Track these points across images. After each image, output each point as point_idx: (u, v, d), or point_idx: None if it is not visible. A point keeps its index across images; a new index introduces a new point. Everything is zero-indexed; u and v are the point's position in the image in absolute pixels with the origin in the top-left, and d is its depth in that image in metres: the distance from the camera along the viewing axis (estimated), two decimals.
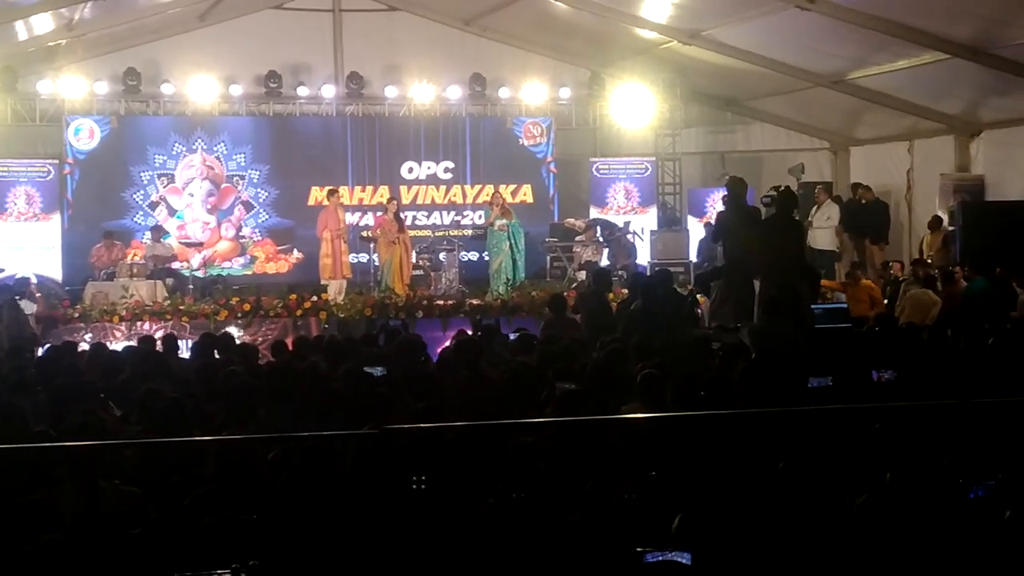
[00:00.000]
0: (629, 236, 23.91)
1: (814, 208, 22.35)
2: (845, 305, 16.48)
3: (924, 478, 6.15)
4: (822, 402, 8.87)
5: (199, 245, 23.63)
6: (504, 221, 22.01)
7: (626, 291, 17.31)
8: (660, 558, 5.27)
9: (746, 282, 14.91)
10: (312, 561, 5.75)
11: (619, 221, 24.51)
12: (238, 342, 14.93)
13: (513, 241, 21.95)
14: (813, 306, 14.51)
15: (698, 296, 17.14)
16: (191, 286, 21.25)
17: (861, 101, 22.44)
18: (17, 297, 18.24)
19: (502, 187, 24.21)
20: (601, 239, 23.68)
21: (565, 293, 18.51)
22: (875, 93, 21.84)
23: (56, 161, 23.39)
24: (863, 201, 22.88)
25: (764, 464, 6.80)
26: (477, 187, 24.66)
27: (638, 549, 5.33)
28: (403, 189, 24.46)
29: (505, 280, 21.52)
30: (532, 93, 24.81)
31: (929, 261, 20.49)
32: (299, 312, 19.95)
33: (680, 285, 18.54)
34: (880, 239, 22.65)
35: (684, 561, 5.22)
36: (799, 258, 15.26)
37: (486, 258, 22.66)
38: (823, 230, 22.12)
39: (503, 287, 21.29)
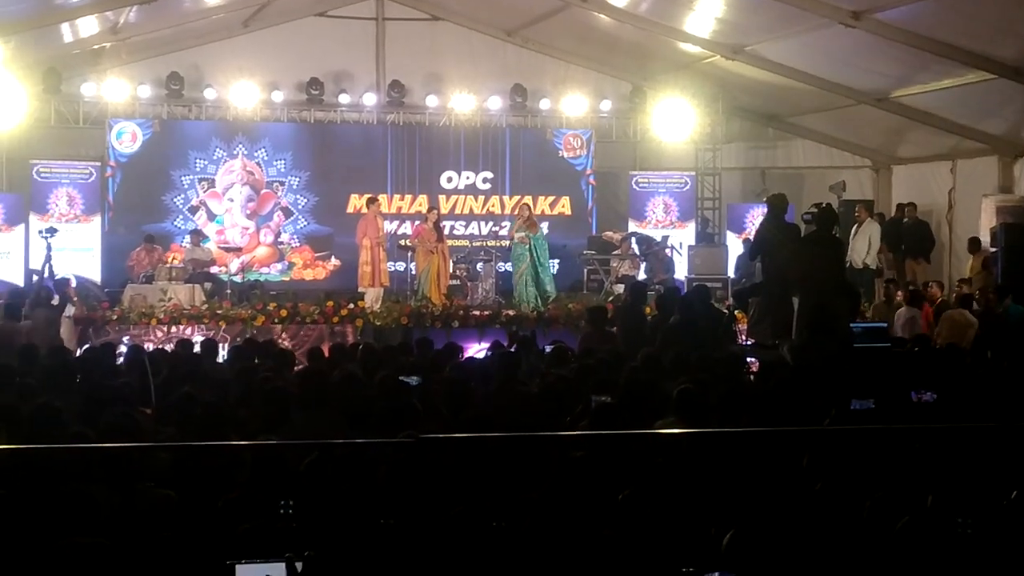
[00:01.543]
0: (667, 250, 23.78)
1: (855, 226, 22.20)
2: (884, 324, 16.34)
3: (964, 500, 6.08)
4: (863, 423, 8.77)
5: (238, 250, 23.71)
6: (524, 233, 21.79)
7: (655, 307, 16.98)
8: None
9: (785, 299, 14.80)
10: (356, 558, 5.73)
11: (657, 235, 24.40)
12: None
13: (536, 254, 21.68)
14: (852, 324, 14.40)
15: (736, 312, 17.05)
16: (229, 291, 21.27)
17: (904, 120, 22.32)
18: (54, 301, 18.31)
19: (540, 198, 24.25)
20: (637, 252, 23.58)
21: (603, 305, 18.42)
22: (918, 112, 21.73)
23: (98, 163, 23.55)
24: (905, 220, 22.77)
25: (802, 484, 6.73)
26: (516, 198, 24.54)
27: (684, 570, 5.26)
28: (442, 198, 24.45)
29: (533, 292, 21.23)
30: (573, 105, 24.78)
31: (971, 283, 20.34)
32: (335, 319, 19.93)
33: (717, 301, 18.44)
34: (920, 258, 22.50)
35: None
36: (839, 276, 15.16)
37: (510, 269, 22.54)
38: (863, 249, 21.95)
39: (533, 299, 21.09)
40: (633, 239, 23.95)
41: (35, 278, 20.42)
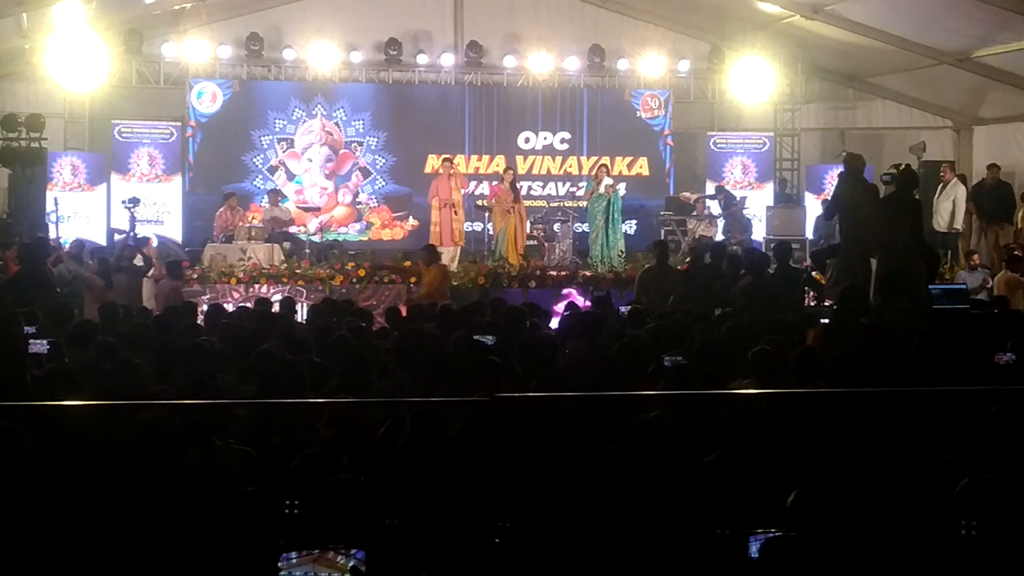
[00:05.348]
0: (745, 211, 23.70)
1: (939, 187, 21.92)
2: (964, 286, 16.19)
3: None
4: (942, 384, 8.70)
5: (316, 210, 23.85)
6: (610, 182, 21.73)
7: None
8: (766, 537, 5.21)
9: (863, 261, 14.69)
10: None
11: (735, 196, 24.28)
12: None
13: (612, 211, 21.55)
14: (931, 286, 14.28)
15: (815, 274, 16.95)
16: (307, 250, 21.43)
17: (986, 80, 22.04)
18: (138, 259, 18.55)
19: (618, 159, 24.26)
20: (713, 213, 23.44)
21: (679, 267, 18.41)
22: (1001, 72, 21.45)
23: (179, 123, 23.80)
24: (988, 182, 22.47)
25: (877, 444, 6.71)
26: (593, 158, 24.44)
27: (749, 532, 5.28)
28: (519, 159, 24.48)
29: (607, 251, 21.17)
30: (651, 65, 24.65)
31: None
32: (413, 279, 20.00)
33: (795, 262, 18.33)
34: (1003, 221, 22.20)
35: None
36: (918, 238, 15.01)
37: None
38: (947, 211, 21.66)
39: (608, 259, 21.04)
40: (706, 199, 23.74)
41: (116, 236, 20.69)
